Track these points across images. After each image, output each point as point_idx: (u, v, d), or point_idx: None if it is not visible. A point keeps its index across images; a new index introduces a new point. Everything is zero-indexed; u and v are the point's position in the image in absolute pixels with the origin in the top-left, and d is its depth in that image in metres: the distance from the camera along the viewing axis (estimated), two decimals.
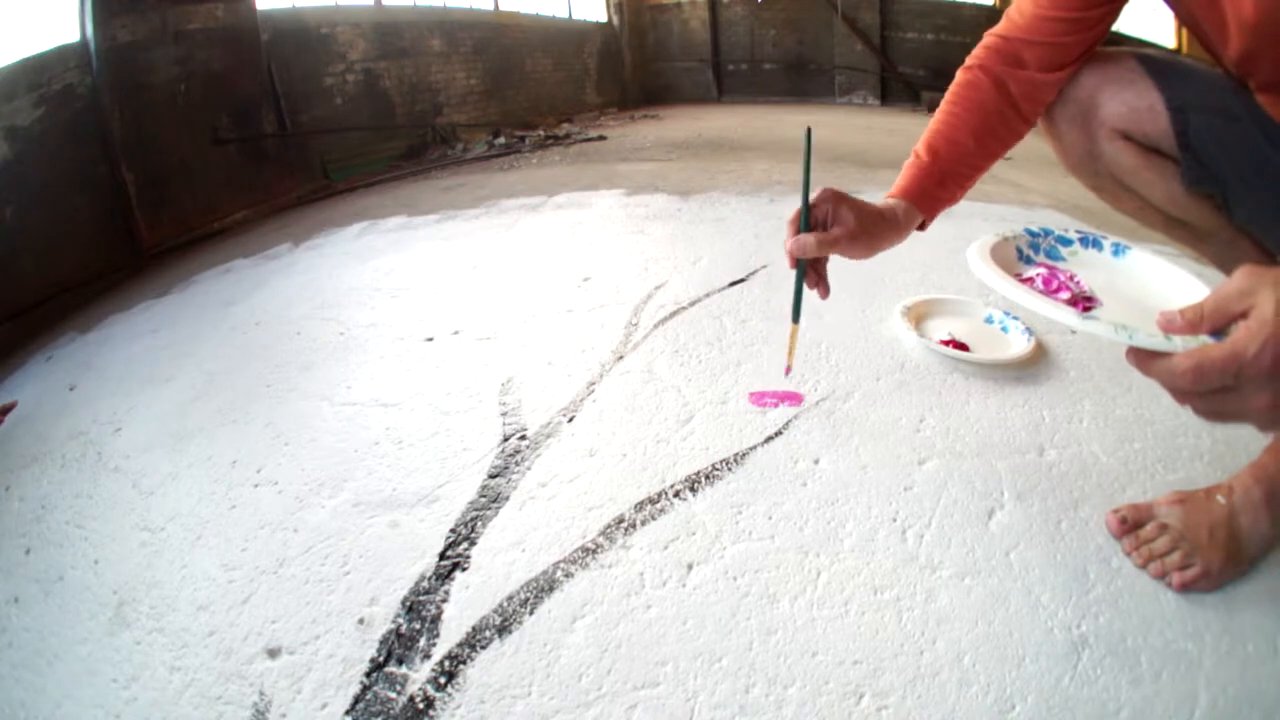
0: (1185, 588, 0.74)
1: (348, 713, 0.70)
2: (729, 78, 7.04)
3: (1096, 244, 0.69)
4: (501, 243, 2.16)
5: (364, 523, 0.96)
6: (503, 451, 1.08)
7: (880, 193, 0.85)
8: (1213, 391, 0.44)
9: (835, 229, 0.75)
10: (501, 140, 4.48)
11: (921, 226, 0.85)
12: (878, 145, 3.73)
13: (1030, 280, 0.62)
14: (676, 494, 0.96)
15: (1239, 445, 1.00)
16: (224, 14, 3.09)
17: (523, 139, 4.49)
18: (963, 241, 0.73)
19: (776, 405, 1.13)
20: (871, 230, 0.76)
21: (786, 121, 4.74)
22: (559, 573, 0.84)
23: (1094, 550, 0.83)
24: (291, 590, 0.86)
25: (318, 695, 0.72)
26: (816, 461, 1.00)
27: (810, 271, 0.78)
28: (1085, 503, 0.90)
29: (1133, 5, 0.79)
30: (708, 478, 0.98)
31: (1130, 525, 0.81)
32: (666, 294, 1.62)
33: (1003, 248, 0.67)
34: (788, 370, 0.89)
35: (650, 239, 2.06)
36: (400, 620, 0.80)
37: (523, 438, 1.11)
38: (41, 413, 1.42)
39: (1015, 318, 1.32)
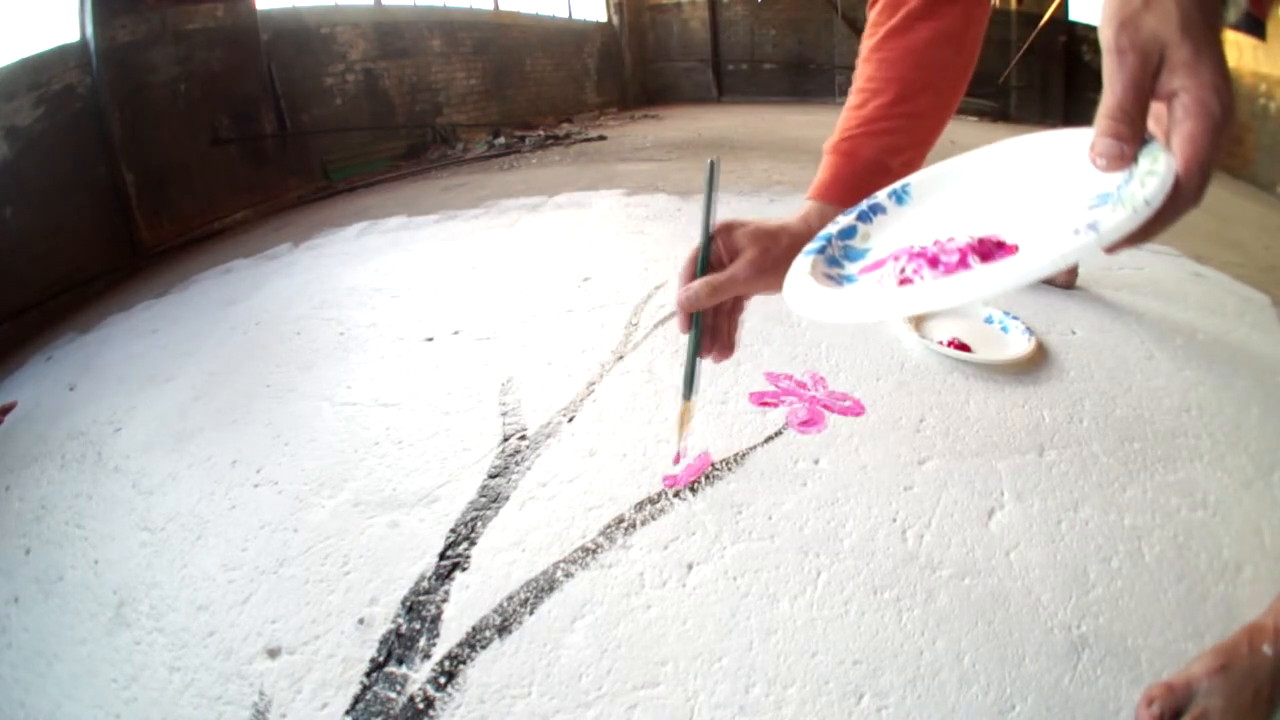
0: None
1: (348, 713, 0.70)
2: (729, 78, 7.03)
3: (878, 208, 0.51)
4: (501, 243, 2.16)
5: (364, 523, 0.96)
6: (503, 451, 1.08)
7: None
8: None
9: (732, 266, 0.55)
10: (501, 140, 4.48)
11: None
12: None
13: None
14: (676, 494, 0.96)
15: (1239, 445, 1.00)
16: (224, 14, 3.09)
17: (523, 139, 4.49)
18: None
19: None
20: (778, 253, 0.55)
21: (787, 121, 4.74)
22: (559, 573, 0.84)
23: (1094, 550, 0.83)
24: (291, 590, 0.86)
25: (318, 695, 0.72)
26: (816, 461, 1.00)
27: (709, 332, 0.59)
28: (1085, 503, 0.90)
29: None
30: (708, 478, 0.98)
31: (1167, 713, 0.66)
32: (666, 294, 1.62)
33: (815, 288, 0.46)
34: (677, 458, 0.69)
35: (650, 239, 2.06)
36: (400, 620, 0.80)
37: (523, 438, 1.11)
38: (41, 413, 1.42)
39: (1016, 318, 1.32)
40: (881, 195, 0.52)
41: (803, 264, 0.48)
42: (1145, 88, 0.34)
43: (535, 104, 5.69)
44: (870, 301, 0.41)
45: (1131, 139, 0.34)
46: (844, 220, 0.51)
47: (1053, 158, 0.42)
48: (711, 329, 0.59)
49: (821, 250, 0.49)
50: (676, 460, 0.72)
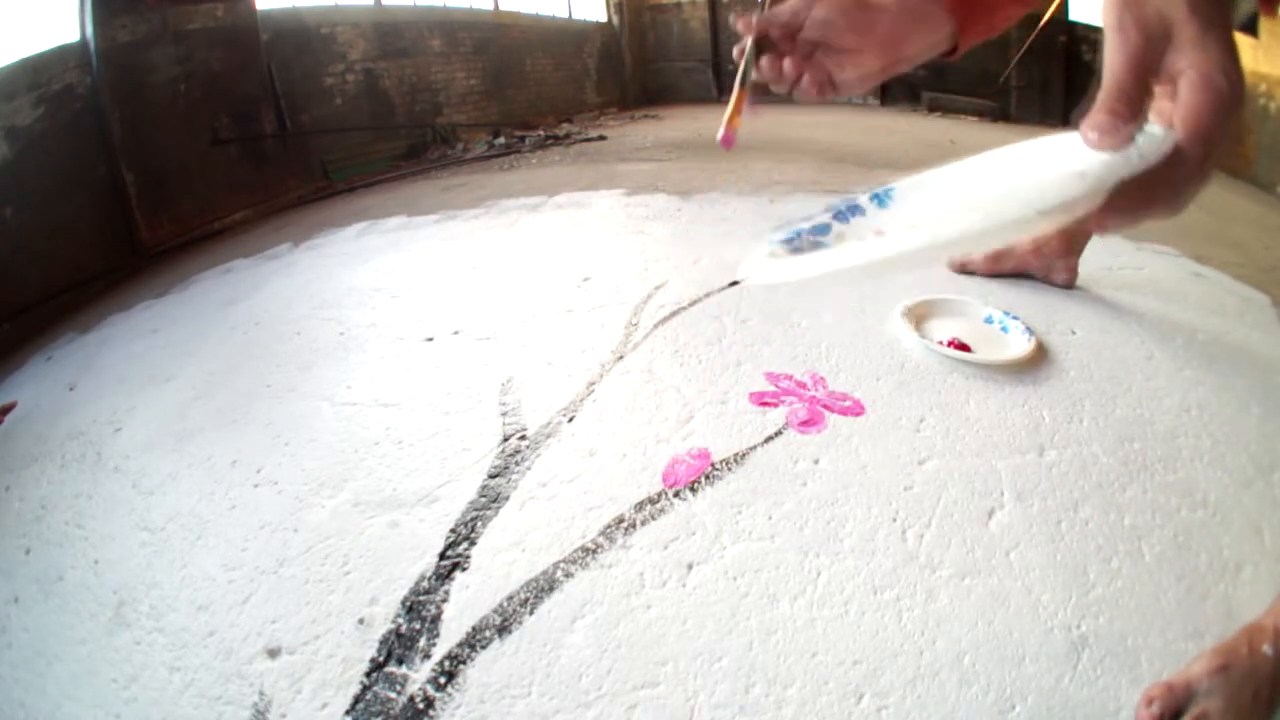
0: None
1: (348, 713, 0.70)
2: (729, 78, 7.05)
3: (856, 209, 0.52)
4: (501, 243, 2.16)
5: (364, 523, 0.96)
6: (503, 451, 1.08)
7: None
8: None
9: None
10: (501, 140, 4.48)
11: (950, 54, 0.61)
12: (878, 146, 3.73)
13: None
14: (676, 494, 0.96)
15: (1239, 445, 1.00)
16: (224, 14, 3.09)
17: (523, 139, 4.49)
18: None
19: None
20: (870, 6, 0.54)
21: (787, 121, 4.73)
22: (559, 573, 0.84)
23: (1094, 550, 0.83)
24: (291, 590, 0.86)
25: (318, 695, 0.72)
26: (816, 461, 1.00)
27: (775, 50, 0.60)
28: (1085, 503, 0.90)
29: None
30: (707, 478, 0.98)
31: (1167, 714, 0.66)
32: (666, 294, 1.61)
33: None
34: (726, 137, 0.67)
35: (650, 239, 2.06)
36: (400, 620, 0.80)
37: (523, 438, 1.11)
38: (41, 413, 1.42)
39: (1016, 318, 1.32)
40: (863, 198, 0.52)
41: (766, 251, 0.49)
42: (1146, 65, 0.33)
43: (535, 104, 5.69)
44: (824, 257, 0.45)
45: (1128, 116, 0.33)
46: (819, 217, 0.51)
47: (1042, 160, 0.41)
48: (788, 46, 0.60)
49: (789, 241, 0.50)
50: (724, 139, 0.69)
